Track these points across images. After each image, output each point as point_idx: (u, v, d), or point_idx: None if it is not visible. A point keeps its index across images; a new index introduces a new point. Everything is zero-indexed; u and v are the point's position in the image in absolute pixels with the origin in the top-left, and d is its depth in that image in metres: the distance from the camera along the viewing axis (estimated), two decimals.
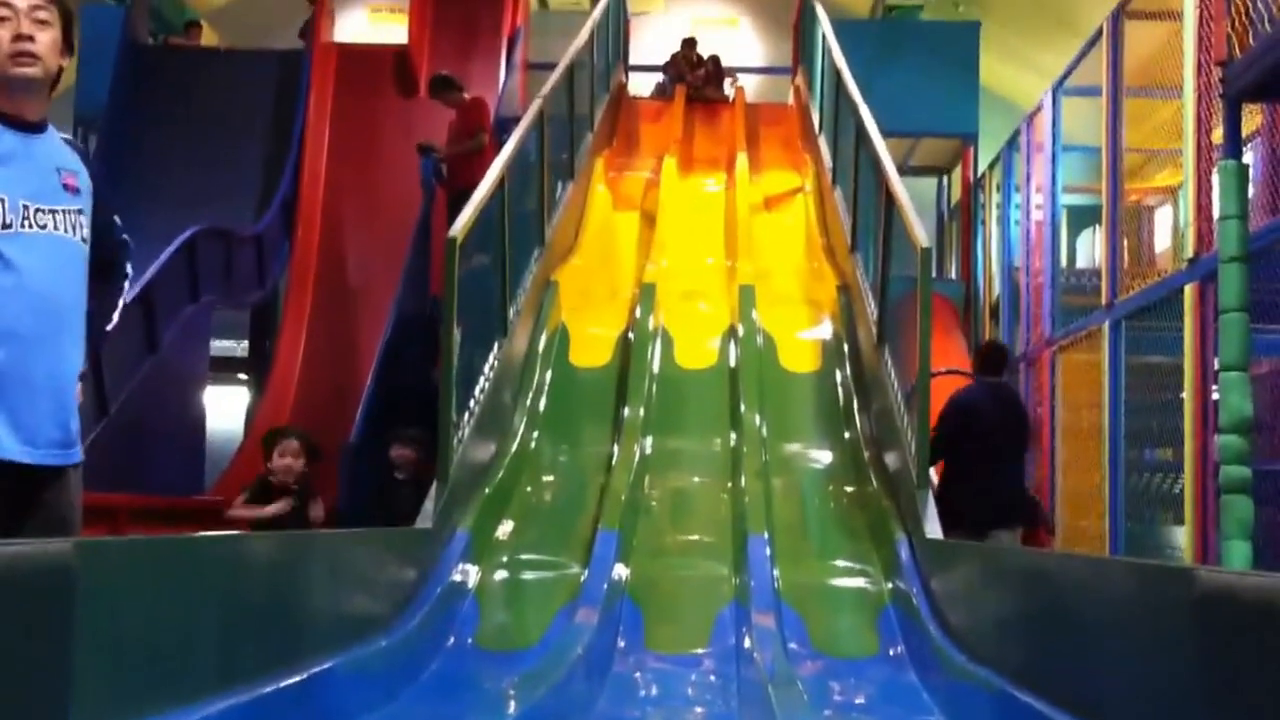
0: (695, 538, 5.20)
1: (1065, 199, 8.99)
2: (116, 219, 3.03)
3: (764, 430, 5.85)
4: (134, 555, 2.29)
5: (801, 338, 6.88)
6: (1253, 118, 6.23)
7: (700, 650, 4.30)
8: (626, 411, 5.93)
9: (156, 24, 12.71)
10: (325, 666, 3.19)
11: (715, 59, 12.71)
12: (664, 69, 13.03)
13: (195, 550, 2.66)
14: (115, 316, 3.08)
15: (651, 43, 13.78)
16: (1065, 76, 8.76)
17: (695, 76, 12.38)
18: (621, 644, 4.27)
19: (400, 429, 6.38)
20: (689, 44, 13.04)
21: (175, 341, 8.08)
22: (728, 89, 12.48)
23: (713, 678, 4.10)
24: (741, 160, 9.68)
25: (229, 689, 2.52)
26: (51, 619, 1.84)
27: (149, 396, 7.51)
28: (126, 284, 3.12)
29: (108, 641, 2.03)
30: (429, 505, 4.56)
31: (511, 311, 5.97)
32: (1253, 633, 1.78)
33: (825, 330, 6.92)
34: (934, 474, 5.41)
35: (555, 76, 7.61)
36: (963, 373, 7.83)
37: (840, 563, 4.96)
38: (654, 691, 4.07)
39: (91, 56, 11.34)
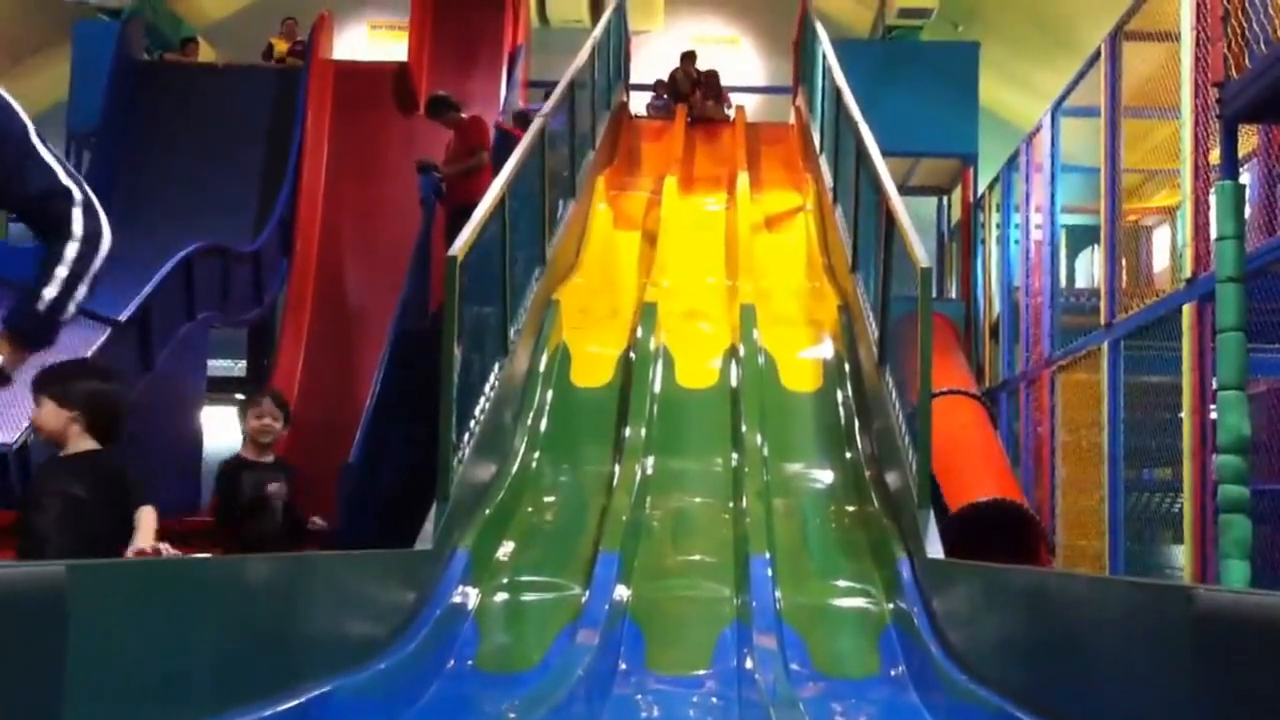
0: (697, 558, 5.17)
1: (1064, 219, 9.05)
2: (50, 162, 2.46)
3: (765, 450, 5.86)
4: (127, 577, 2.28)
5: (802, 357, 6.89)
6: (1249, 138, 6.26)
7: (702, 671, 4.29)
8: (628, 431, 5.94)
9: (153, 40, 12.76)
10: (324, 690, 3.17)
11: (713, 72, 12.78)
12: (655, 87, 13.07)
13: (191, 572, 2.65)
14: (54, 291, 2.42)
15: (651, 61, 13.85)
16: (1064, 97, 8.81)
17: (695, 100, 12.40)
18: (623, 665, 4.26)
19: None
20: (688, 58, 13.09)
21: (172, 360, 8.08)
22: (728, 110, 12.49)
23: (714, 699, 4.08)
24: (742, 179, 9.73)
25: (226, 713, 2.51)
26: (43, 642, 1.82)
27: (145, 416, 7.50)
28: (73, 246, 2.47)
29: (100, 665, 2.02)
30: (429, 526, 4.56)
31: (512, 330, 5.98)
32: (1252, 651, 1.79)
33: (826, 350, 6.94)
34: None
35: (556, 94, 7.65)
36: (964, 393, 7.84)
37: (842, 583, 4.95)
38: (655, 713, 4.05)
39: (85, 72, 11.44)
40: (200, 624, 2.53)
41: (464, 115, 8.50)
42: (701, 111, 12.19)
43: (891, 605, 4.63)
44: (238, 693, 2.70)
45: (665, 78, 13.27)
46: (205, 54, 13.74)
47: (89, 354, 6.72)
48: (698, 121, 12.00)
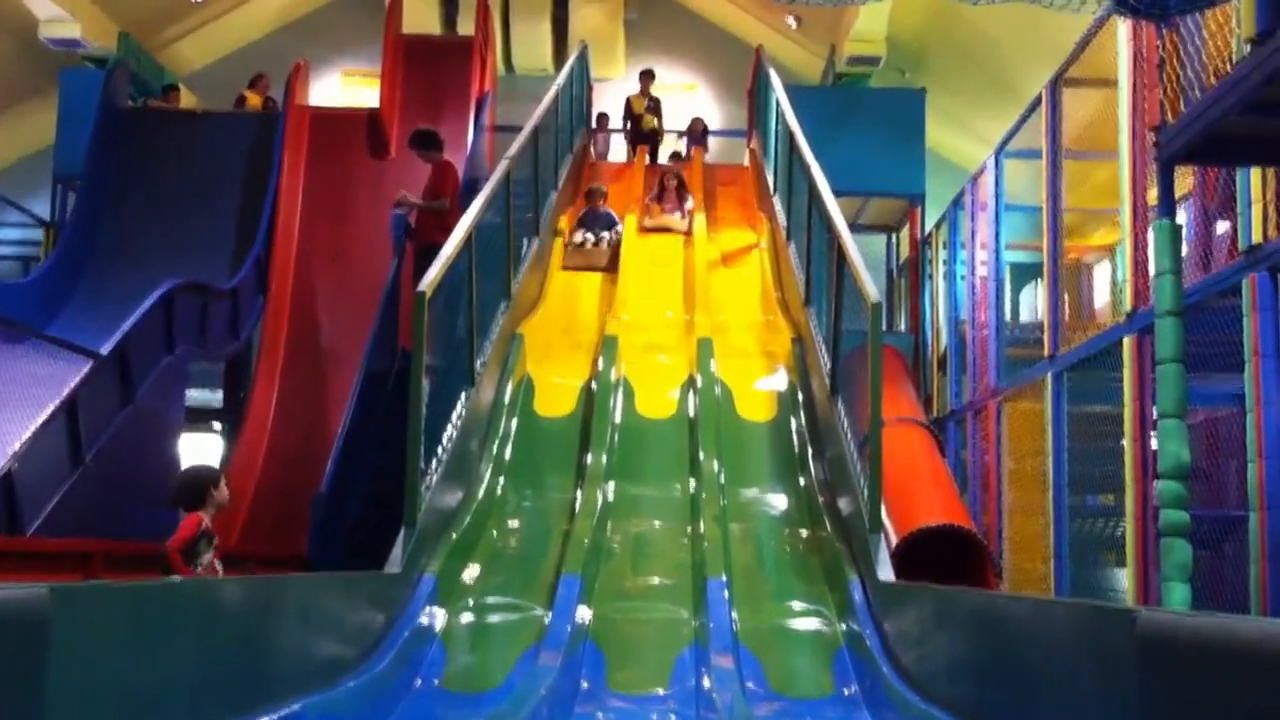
0: (656, 581, 5.29)
1: (1008, 256, 9.27)
2: None
3: (722, 477, 6.00)
4: (108, 600, 2.36)
5: (758, 388, 7.05)
6: (1185, 179, 6.45)
7: (661, 691, 4.37)
8: (589, 459, 6.08)
9: (136, 87, 12.98)
10: (294, 709, 3.26)
11: (680, 180, 10.45)
12: (600, 119, 13.24)
13: (168, 595, 2.74)
14: None
15: (613, 107, 14.08)
16: (1007, 140, 9.09)
17: (650, 206, 10.28)
18: (584, 685, 4.35)
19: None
20: (647, 75, 13.38)
21: (152, 392, 8.20)
22: (680, 218, 10.10)
23: (673, 718, 4.17)
24: (699, 219, 9.92)
25: None
26: (25, 663, 1.92)
27: (127, 445, 7.64)
28: None
29: (81, 685, 2.10)
30: (398, 550, 4.66)
31: (478, 363, 6.11)
32: (1192, 671, 1.91)
33: (780, 381, 7.10)
34: None
35: (521, 139, 7.82)
36: (914, 421, 8.01)
37: (796, 605, 5.07)
38: None
39: (71, 118, 11.72)
40: (176, 644, 2.62)
41: (443, 158, 8.63)
42: (656, 220, 9.99)
43: (844, 626, 4.76)
44: (211, 711, 2.79)
45: (622, 109, 13.47)
46: (187, 100, 13.97)
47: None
48: (651, 231, 9.88)
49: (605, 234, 9.21)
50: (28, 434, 6.51)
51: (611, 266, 8.73)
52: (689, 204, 10.22)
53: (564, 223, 9.64)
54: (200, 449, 11.56)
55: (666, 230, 9.93)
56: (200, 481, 4.95)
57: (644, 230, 9.81)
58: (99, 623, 2.24)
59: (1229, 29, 5.09)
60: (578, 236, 9.13)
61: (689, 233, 9.83)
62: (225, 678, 2.94)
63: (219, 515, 5.03)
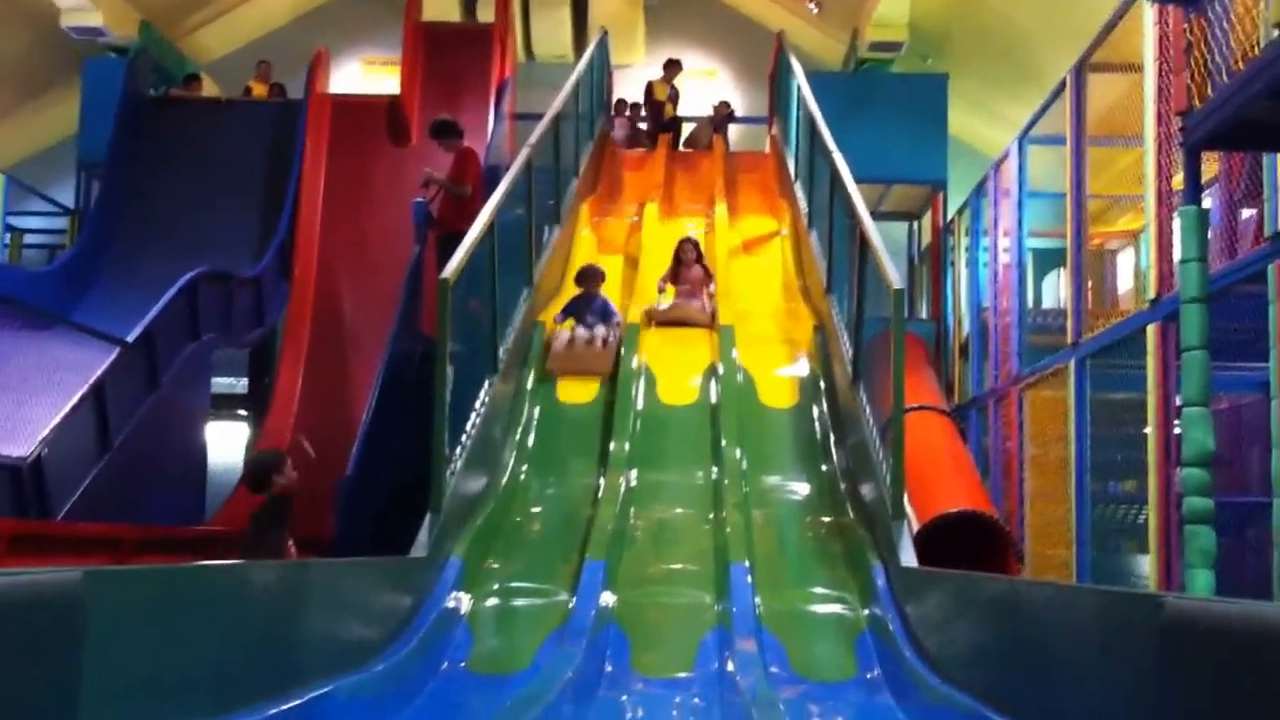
0: (679, 566, 5.32)
1: (1031, 243, 9.23)
2: None
3: (744, 463, 6.02)
4: (140, 584, 2.40)
5: (779, 375, 7.06)
6: (1211, 165, 6.40)
7: (685, 674, 4.41)
8: (612, 446, 6.12)
9: (158, 76, 13.06)
10: (323, 691, 3.31)
11: (699, 251, 8.35)
12: (617, 107, 13.21)
13: (199, 579, 2.78)
14: None
15: (633, 93, 14.07)
16: (1030, 126, 9.04)
17: (677, 284, 8.14)
18: (609, 668, 4.39)
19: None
20: (672, 65, 13.34)
21: (177, 379, 8.31)
22: (700, 308, 7.86)
23: (697, 700, 4.21)
24: (721, 206, 9.92)
25: (230, 713, 2.65)
26: (60, 645, 1.96)
27: (153, 432, 7.75)
28: None
29: (114, 666, 2.14)
30: (423, 535, 4.71)
31: (501, 350, 6.15)
32: (1216, 657, 1.91)
33: (802, 368, 7.11)
34: None
35: (542, 126, 7.82)
36: (934, 408, 8.00)
37: (819, 590, 5.09)
38: (640, 714, 4.18)
39: (94, 107, 11.83)
40: (208, 627, 2.67)
41: (464, 144, 8.65)
42: (672, 313, 7.76)
43: (867, 611, 4.78)
44: (243, 693, 2.84)
45: (642, 95, 13.45)
46: (209, 89, 14.08)
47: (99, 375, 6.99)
48: (665, 325, 7.70)
49: (601, 328, 7.14)
50: (56, 420, 6.59)
51: (614, 370, 6.80)
52: (712, 286, 8.06)
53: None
54: (231, 438, 11.71)
55: (685, 323, 7.69)
56: (264, 467, 5.24)
57: (657, 324, 7.69)
58: (132, 606, 2.28)
59: (1257, 12, 5.04)
60: (564, 335, 7.04)
61: (713, 326, 7.56)
62: (256, 659, 2.98)
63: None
